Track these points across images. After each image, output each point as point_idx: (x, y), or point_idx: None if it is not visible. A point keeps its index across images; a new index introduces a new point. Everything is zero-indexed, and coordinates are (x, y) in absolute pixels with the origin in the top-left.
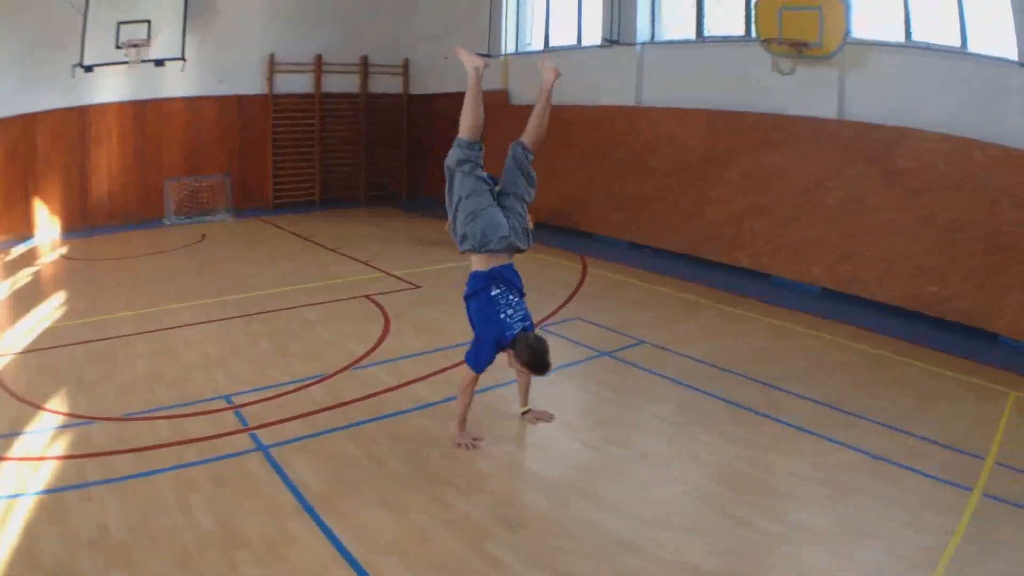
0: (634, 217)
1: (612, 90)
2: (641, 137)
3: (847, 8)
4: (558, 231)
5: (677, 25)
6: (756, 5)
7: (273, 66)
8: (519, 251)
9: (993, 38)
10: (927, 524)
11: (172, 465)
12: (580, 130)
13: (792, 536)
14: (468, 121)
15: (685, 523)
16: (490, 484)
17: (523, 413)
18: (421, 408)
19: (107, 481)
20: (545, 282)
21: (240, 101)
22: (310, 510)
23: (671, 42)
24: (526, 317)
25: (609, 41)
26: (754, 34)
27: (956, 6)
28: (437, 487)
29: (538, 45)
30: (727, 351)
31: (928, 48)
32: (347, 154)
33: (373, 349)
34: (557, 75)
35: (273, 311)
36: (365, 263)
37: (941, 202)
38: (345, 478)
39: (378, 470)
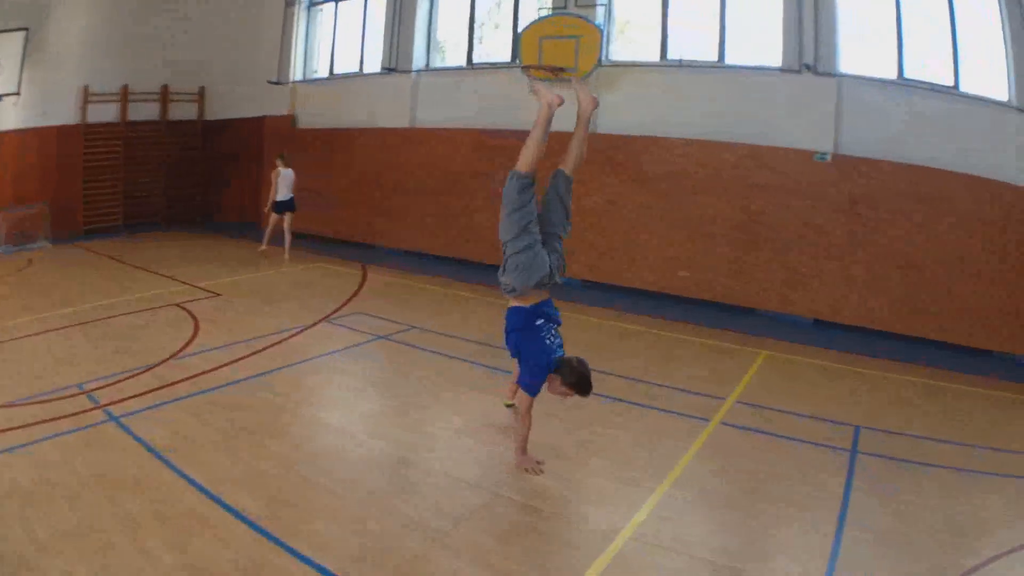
0: (410, 228)
1: (390, 113)
2: (415, 156)
3: (603, 36)
4: (341, 243)
5: (452, 52)
6: (520, 35)
7: (87, 97)
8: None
9: (753, 51)
10: (663, 445)
11: (50, 434)
12: (359, 151)
13: (536, 455)
14: (532, 156)
15: (449, 448)
16: (292, 430)
17: (508, 405)
18: (231, 384)
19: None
20: (329, 287)
21: (59, 131)
22: (162, 458)
23: (444, 69)
24: (561, 346)
25: (388, 69)
26: (518, 60)
27: (718, 25)
28: (255, 436)
29: (324, 72)
30: (492, 333)
31: (680, 64)
32: (149, 180)
33: (188, 343)
34: (596, 105)
35: (104, 319)
36: (171, 278)
37: (691, 199)
38: (184, 434)
39: (207, 428)
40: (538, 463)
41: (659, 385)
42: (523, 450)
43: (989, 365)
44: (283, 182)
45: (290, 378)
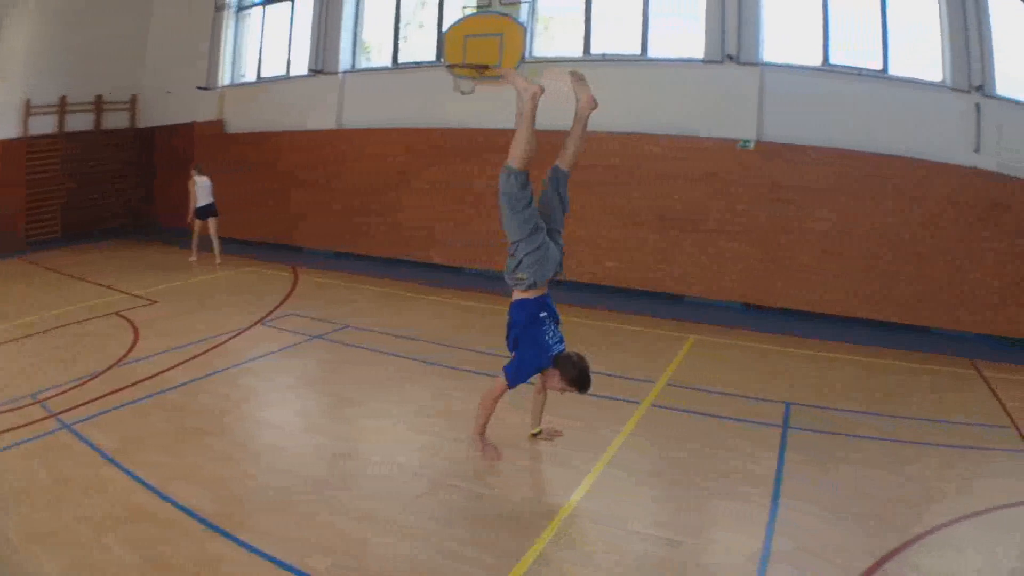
0: (340, 228)
1: (317, 115)
2: (344, 157)
3: (527, 33)
4: (272, 247)
5: (377, 53)
6: (445, 34)
7: (28, 110)
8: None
9: (676, 43)
10: (597, 428)
11: (11, 443)
12: (288, 154)
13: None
14: (523, 150)
15: (388, 439)
16: (235, 429)
17: (535, 434)
18: (174, 388)
19: None
20: (262, 290)
21: (3, 146)
22: (114, 462)
23: (370, 69)
24: (561, 340)
25: (315, 71)
26: (443, 59)
27: (640, 18)
28: (200, 436)
29: (251, 77)
30: (425, 328)
31: (604, 59)
32: (86, 190)
33: (130, 350)
34: (595, 105)
35: (50, 330)
36: (109, 287)
37: (618, 191)
38: (132, 438)
39: (153, 430)
40: (496, 451)
41: (598, 373)
42: (480, 433)
43: (927, 341)
44: (201, 190)
45: (229, 379)
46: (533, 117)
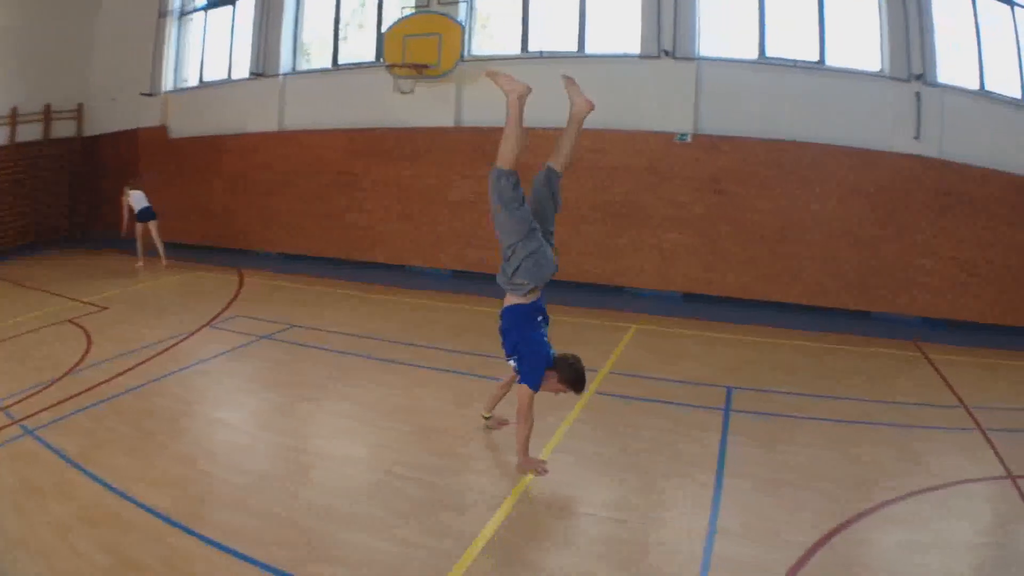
0: (283, 230)
1: (259, 118)
2: (285, 158)
3: (464, 31)
4: (217, 250)
5: (317, 54)
6: (384, 34)
7: None
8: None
9: (613, 39)
10: (542, 416)
11: None
12: (230, 157)
13: (418, 434)
14: (512, 150)
15: (339, 434)
16: (190, 430)
17: (485, 417)
18: (129, 391)
19: None
20: (209, 293)
21: None
22: (78, 466)
23: (310, 71)
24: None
25: (256, 74)
26: (383, 60)
27: (578, 15)
28: (157, 438)
29: (194, 81)
30: (376, 326)
31: (541, 56)
32: (36, 199)
33: (84, 356)
34: (591, 107)
35: (3, 340)
36: (60, 295)
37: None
38: (93, 442)
39: (112, 434)
40: (542, 462)
41: None
42: (525, 450)
43: (871, 326)
44: (136, 200)
45: (182, 382)
46: (520, 117)
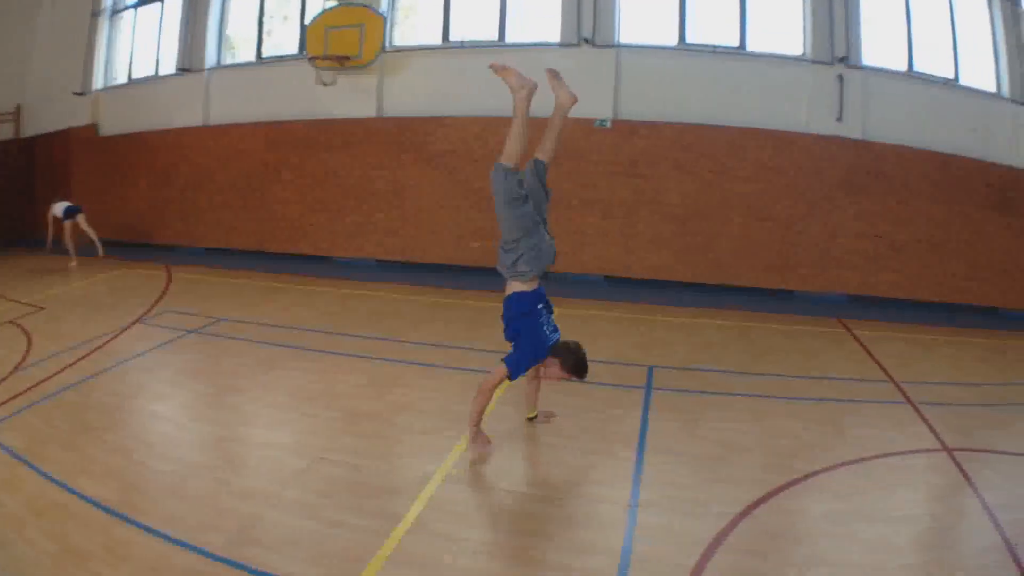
0: (210, 225)
1: (185, 113)
2: (210, 153)
3: (386, 22)
4: (140, 246)
5: (242, 48)
6: (307, 27)
7: None
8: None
9: (533, 28)
10: (465, 400)
11: None
12: (156, 153)
13: (342, 419)
14: (517, 147)
15: (268, 423)
16: (127, 424)
17: (531, 418)
18: (68, 388)
19: None
20: (138, 289)
21: None
22: (24, 460)
23: (235, 65)
24: (556, 330)
25: (182, 69)
26: (306, 52)
27: (499, 5)
28: (96, 432)
29: (123, 79)
30: (300, 317)
31: (463, 46)
32: None
33: (27, 355)
34: (575, 101)
35: None
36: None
37: (477, 174)
38: (37, 438)
39: (54, 430)
40: (487, 443)
41: (463, 348)
42: (476, 424)
43: (794, 305)
44: (57, 210)
45: (118, 377)
46: (526, 114)
